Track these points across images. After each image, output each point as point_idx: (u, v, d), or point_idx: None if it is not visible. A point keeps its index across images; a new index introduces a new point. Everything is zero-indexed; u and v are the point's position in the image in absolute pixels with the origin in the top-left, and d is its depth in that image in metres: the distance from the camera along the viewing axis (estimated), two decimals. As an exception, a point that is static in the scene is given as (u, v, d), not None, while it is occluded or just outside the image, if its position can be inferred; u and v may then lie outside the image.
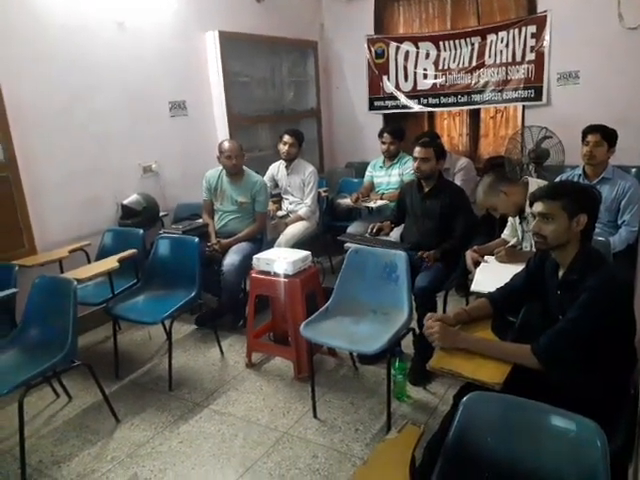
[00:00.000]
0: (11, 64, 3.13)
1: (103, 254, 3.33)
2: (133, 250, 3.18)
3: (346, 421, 2.49)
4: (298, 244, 3.73)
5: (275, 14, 5.05)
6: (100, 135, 3.69)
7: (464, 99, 5.04)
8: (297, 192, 4.22)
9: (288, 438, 2.40)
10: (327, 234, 4.48)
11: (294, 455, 2.28)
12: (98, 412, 2.67)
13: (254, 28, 4.73)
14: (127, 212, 3.72)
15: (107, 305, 2.99)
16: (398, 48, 5.29)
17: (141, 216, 3.71)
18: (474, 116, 5.38)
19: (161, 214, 3.97)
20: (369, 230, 3.27)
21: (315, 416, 2.54)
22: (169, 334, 2.92)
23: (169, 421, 2.58)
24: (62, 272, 3.13)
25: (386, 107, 5.53)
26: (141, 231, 3.40)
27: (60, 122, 3.44)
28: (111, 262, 3.03)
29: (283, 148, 4.13)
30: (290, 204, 4.27)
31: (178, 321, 3.07)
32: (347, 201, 4.31)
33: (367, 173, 4.50)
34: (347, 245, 3.03)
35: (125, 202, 3.73)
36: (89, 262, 3.37)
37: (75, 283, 2.48)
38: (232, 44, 4.49)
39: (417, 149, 3.06)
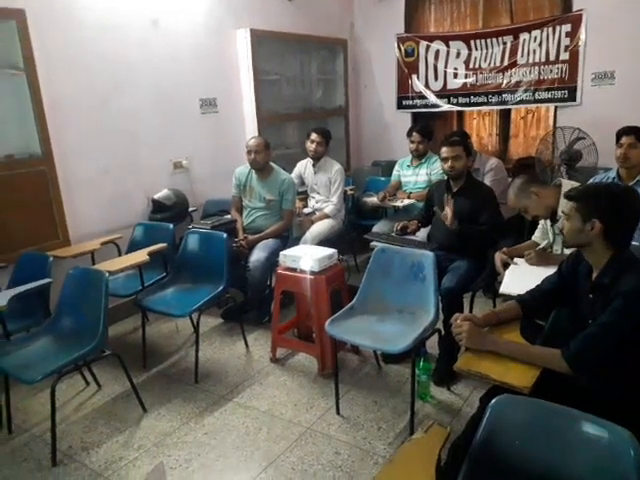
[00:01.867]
0: (49, 62, 3.22)
1: (134, 247, 3.41)
2: (163, 244, 3.24)
3: (369, 419, 2.50)
4: (323, 242, 3.74)
5: (306, 12, 5.07)
6: (133, 131, 3.77)
7: (495, 99, 4.98)
8: (324, 190, 4.23)
9: (311, 434, 2.41)
10: (352, 232, 4.48)
11: (317, 451, 2.29)
12: (126, 401, 2.73)
13: (285, 26, 4.76)
14: (158, 207, 3.79)
15: (136, 297, 3.06)
16: (428, 47, 5.25)
17: (171, 211, 3.78)
18: (504, 116, 5.30)
19: (190, 209, 4.04)
20: (395, 228, 3.26)
21: (338, 413, 2.55)
22: (196, 327, 2.97)
23: (194, 412, 2.62)
24: (94, 264, 3.22)
25: (415, 106, 5.49)
26: (171, 226, 3.46)
27: (94, 118, 3.53)
28: (141, 255, 3.09)
29: (310, 146, 4.15)
30: (316, 202, 4.28)
31: (205, 314, 3.11)
32: (373, 200, 4.30)
33: (394, 172, 4.48)
34: (373, 244, 3.03)
35: (156, 197, 3.81)
36: (120, 255, 3.45)
37: (106, 275, 2.55)
38: (263, 42, 4.52)
39: (445, 149, 3.02)
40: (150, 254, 3.11)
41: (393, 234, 3.26)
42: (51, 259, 2.90)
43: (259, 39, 4.46)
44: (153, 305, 3.00)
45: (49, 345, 2.52)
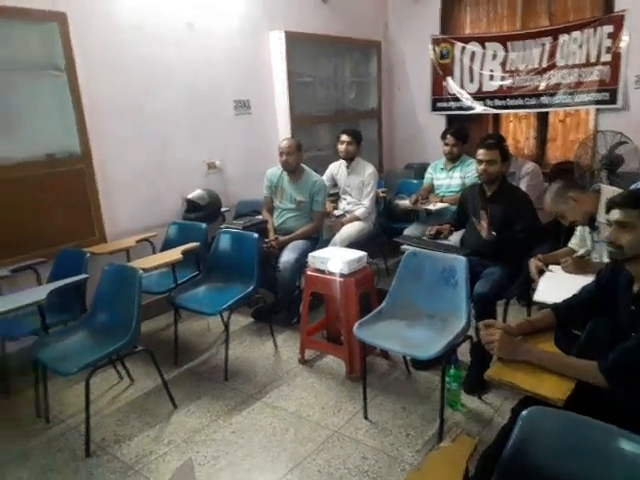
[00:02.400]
0: (89, 63, 3.32)
1: (168, 245, 3.48)
2: (196, 243, 3.30)
3: (397, 425, 2.47)
4: (353, 244, 3.73)
5: (340, 14, 5.07)
6: (168, 131, 3.85)
7: (532, 101, 4.87)
8: (356, 192, 4.22)
9: (338, 437, 2.41)
10: (383, 235, 4.45)
11: (344, 454, 2.29)
12: (157, 396, 2.79)
13: (318, 28, 4.78)
14: (191, 206, 3.86)
15: (169, 294, 3.12)
16: (464, 48, 5.18)
17: (204, 211, 3.85)
18: (542, 119, 5.17)
19: (223, 209, 4.10)
20: (427, 232, 3.23)
21: (366, 417, 2.54)
22: (226, 326, 3.01)
23: (223, 410, 2.66)
24: (129, 261, 3.29)
25: (449, 108, 5.43)
26: (204, 225, 3.52)
27: (131, 119, 3.62)
28: (175, 253, 3.15)
29: (341, 147, 4.15)
30: (347, 204, 4.28)
31: (236, 313, 3.16)
32: (405, 202, 4.26)
33: (427, 175, 4.44)
34: (404, 247, 3.00)
35: (190, 196, 3.88)
36: (154, 252, 3.52)
37: (141, 272, 2.61)
38: (296, 44, 4.55)
39: (481, 151, 2.97)
40: (183, 253, 3.17)
41: (425, 238, 3.23)
42: (88, 255, 2.99)
43: (293, 41, 4.48)
44: (185, 303, 3.05)
45: (85, 339, 2.59)
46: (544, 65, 4.72)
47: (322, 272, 2.92)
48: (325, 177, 4.21)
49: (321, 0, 4.92)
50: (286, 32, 4.43)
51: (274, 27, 4.45)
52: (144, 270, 2.78)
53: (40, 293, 2.58)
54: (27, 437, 2.52)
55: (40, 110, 3.18)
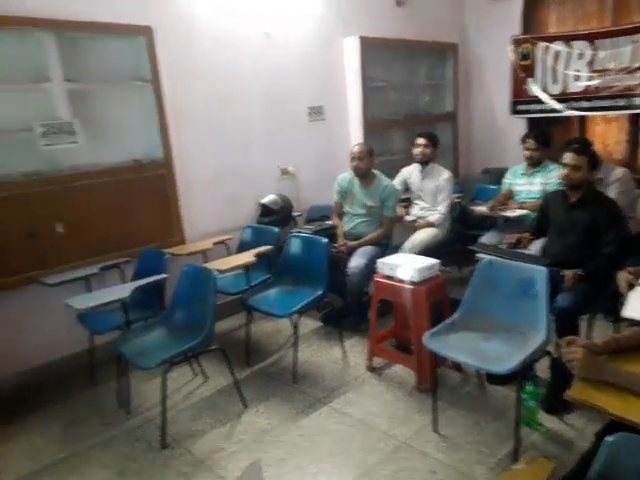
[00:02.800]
0: (172, 73, 3.50)
1: (242, 248, 3.59)
2: (269, 246, 3.37)
3: (469, 441, 2.38)
4: (424, 251, 3.65)
5: (415, 17, 5.00)
6: (244, 138, 3.98)
7: (623, 102, 4.53)
8: (429, 198, 4.12)
9: (406, 448, 2.35)
10: (457, 243, 4.31)
11: (411, 467, 2.23)
12: (228, 395, 2.86)
13: (393, 32, 4.74)
14: (265, 211, 3.97)
15: (242, 296, 3.21)
16: (547, 48, 4.93)
17: (277, 215, 3.93)
18: (634, 121, 4.80)
19: (295, 214, 4.16)
20: (506, 241, 3.09)
21: (435, 430, 2.46)
22: (296, 329, 3.05)
23: (291, 413, 2.68)
24: (205, 262, 3.42)
25: (530, 111, 5.18)
26: (276, 229, 3.60)
27: (210, 125, 3.78)
28: (248, 256, 3.24)
29: (417, 150, 4.07)
30: (420, 209, 4.18)
31: (305, 317, 3.18)
32: (482, 209, 4.10)
33: (505, 180, 4.24)
34: (479, 255, 2.89)
35: (263, 201, 3.98)
36: (229, 255, 3.64)
37: (216, 273, 2.71)
38: (370, 49, 4.54)
39: (567, 154, 2.79)
40: (257, 255, 3.25)
41: (503, 246, 3.09)
42: (167, 256, 3.14)
43: (367, 46, 4.48)
44: (257, 304, 3.12)
45: (163, 336, 2.73)
46: (637, 64, 4.38)
47: (391, 279, 2.87)
48: (397, 182, 4.15)
49: (396, 4, 4.89)
50: (361, 38, 4.43)
51: (348, 33, 4.47)
52: (220, 271, 2.89)
53: (124, 291, 2.75)
54: (109, 425, 2.68)
55: (127, 118, 3.41)
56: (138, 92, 3.42)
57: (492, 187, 4.71)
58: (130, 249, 3.36)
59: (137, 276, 3.15)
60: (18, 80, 2.95)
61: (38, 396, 2.98)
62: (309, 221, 4.12)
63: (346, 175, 3.84)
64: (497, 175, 4.88)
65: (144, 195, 3.49)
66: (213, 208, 3.88)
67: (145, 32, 3.33)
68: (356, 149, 3.66)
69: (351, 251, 3.56)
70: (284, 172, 4.26)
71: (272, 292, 3.27)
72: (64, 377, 3.13)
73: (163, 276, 2.99)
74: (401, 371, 3.02)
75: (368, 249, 3.57)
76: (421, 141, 4.05)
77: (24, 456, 2.50)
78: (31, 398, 2.96)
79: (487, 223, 4.31)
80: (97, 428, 2.67)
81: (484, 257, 2.73)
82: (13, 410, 2.86)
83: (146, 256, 3.26)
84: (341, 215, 3.87)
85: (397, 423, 2.55)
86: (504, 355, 2.21)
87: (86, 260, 3.19)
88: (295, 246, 3.41)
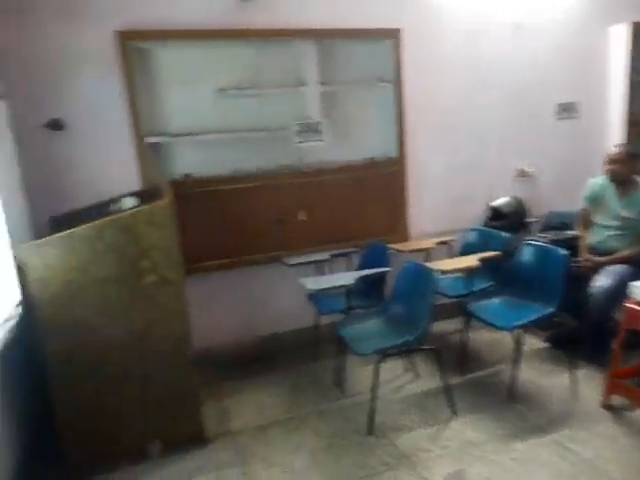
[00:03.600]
0: (414, 70, 3.55)
1: (466, 251, 3.46)
2: (497, 252, 3.17)
3: None
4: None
5: None
6: (481, 133, 3.84)
7: None
8: None
9: (645, 509, 1.96)
10: None
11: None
12: (437, 398, 2.80)
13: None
14: (495, 214, 3.75)
15: (461, 300, 3.10)
16: None
17: (508, 219, 3.69)
18: None
19: (529, 220, 3.83)
20: None
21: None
22: (518, 344, 2.80)
23: (504, 433, 2.49)
24: (427, 261, 3.40)
25: None
26: (507, 234, 3.36)
27: (447, 120, 3.74)
28: (472, 260, 3.10)
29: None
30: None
31: (528, 333, 2.91)
32: None
33: None
34: None
35: (495, 204, 3.78)
36: (451, 256, 3.55)
37: (437, 274, 2.67)
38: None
39: None
40: (481, 260, 3.08)
41: None
42: (391, 251, 3.24)
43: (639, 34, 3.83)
44: (478, 312, 2.97)
45: (380, 326, 2.82)
46: None
47: (647, 306, 2.41)
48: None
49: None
50: (634, 24, 3.81)
51: (616, 20, 3.89)
52: (441, 272, 2.84)
53: (350, 278, 2.92)
54: (324, 399, 2.89)
55: (367, 118, 3.60)
56: (379, 92, 3.58)
57: None
58: (358, 240, 3.55)
59: (362, 266, 3.33)
60: (283, 84, 3.37)
61: (268, 360, 3.40)
62: (546, 228, 3.73)
63: (600, 180, 3.34)
64: None
65: (375, 191, 3.65)
66: (439, 207, 3.83)
67: (394, 35, 3.45)
68: (615, 151, 3.17)
69: (597, 268, 3.11)
70: (521, 173, 3.95)
71: (494, 301, 3.07)
72: (291, 348, 3.50)
73: (385, 269, 3.08)
74: (647, 417, 2.52)
75: (618, 268, 3.06)
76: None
77: (252, 410, 2.87)
78: (262, 361, 3.39)
79: None
80: (314, 399, 2.91)
81: None
82: (247, 368, 3.32)
83: (372, 249, 3.41)
84: (587, 225, 3.40)
85: (633, 475, 2.13)
86: None
87: (319, 247, 3.49)
88: (528, 255, 3.13)
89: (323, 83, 3.43)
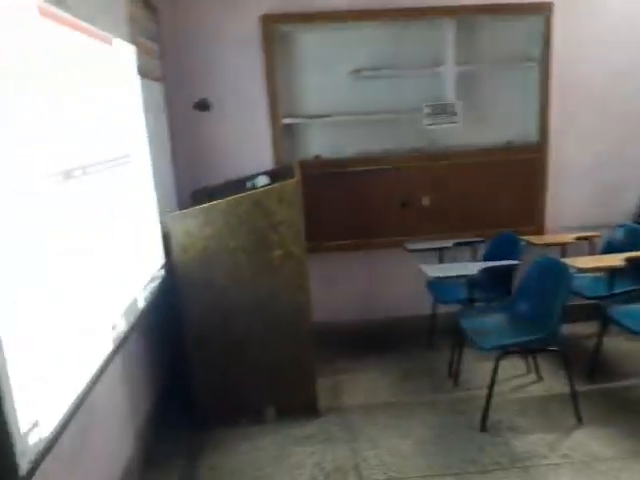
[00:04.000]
0: (565, 50, 3.24)
1: (610, 249, 3.14)
2: (646, 252, 2.82)
3: None
4: None
5: None
6: (631, 119, 3.40)
7: None
8: None
9: None
10: None
11: None
12: (561, 404, 2.61)
13: None
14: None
15: (600, 303, 2.82)
16: None
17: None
18: None
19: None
20: None
21: None
22: (664, 358, 2.49)
23: (635, 450, 2.24)
24: (563, 257, 3.14)
25: None
26: (663, 233, 2.97)
27: (599, 104, 3.39)
28: (617, 260, 2.79)
29: None
30: None
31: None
32: None
33: None
34: None
35: (650, 198, 3.33)
36: (592, 254, 3.24)
37: (573, 271, 2.46)
38: None
39: None
40: (628, 260, 2.76)
41: None
42: (523, 243, 3.03)
43: None
44: (619, 317, 2.67)
45: (503, 321, 2.69)
46: None
47: None
48: None
49: None
50: None
51: None
52: (578, 270, 2.61)
53: (473, 268, 2.81)
54: (437, 390, 2.85)
55: (505, 100, 3.39)
56: (522, 73, 3.35)
57: None
58: (485, 229, 3.38)
59: (487, 257, 3.17)
60: (418, 65, 3.30)
61: (382, 343, 3.42)
62: None
63: None
64: None
65: (511, 178, 3.43)
66: (583, 199, 3.50)
67: (545, 9, 3.18)
68: None
69: None
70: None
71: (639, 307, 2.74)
72: (406, 334, 3.47)
73: (515, 262, 2.91)
74: None
75: None
76: None
77: (363, 390, 2.92)
78: (377, 343, 3.42)
79: None
80: (426, 388, 2.88)
81: None
82: (361, 348, 3.37)
83: (501, 239, 3.22)
84: None
85: None
86: None
87: (442, 234, 3.38)
88: (686, 258, 2.74)
89: (460, 63, 3.29)
